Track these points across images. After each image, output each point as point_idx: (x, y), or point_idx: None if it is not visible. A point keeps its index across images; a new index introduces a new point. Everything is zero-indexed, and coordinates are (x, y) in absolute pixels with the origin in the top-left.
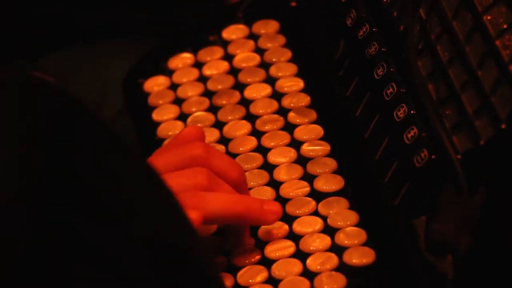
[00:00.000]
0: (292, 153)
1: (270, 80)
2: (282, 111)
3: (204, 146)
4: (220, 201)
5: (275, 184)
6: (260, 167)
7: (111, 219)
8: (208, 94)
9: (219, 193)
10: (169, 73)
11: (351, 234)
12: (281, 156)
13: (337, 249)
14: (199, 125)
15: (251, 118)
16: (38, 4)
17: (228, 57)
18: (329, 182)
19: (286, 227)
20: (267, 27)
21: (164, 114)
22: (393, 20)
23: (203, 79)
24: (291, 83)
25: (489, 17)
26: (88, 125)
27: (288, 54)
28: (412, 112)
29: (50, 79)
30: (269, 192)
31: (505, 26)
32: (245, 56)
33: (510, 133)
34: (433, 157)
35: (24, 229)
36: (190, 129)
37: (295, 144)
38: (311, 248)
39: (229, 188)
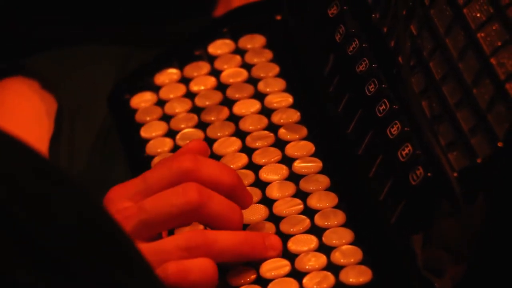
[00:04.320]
0: (284, 170)
1: (259, 96)
2: (272, 127)
3: (192, 158)
4: (227, 243)
5: (267, 202)
6: (252, 185)
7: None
8: (196, 110)
9: (225, 233)
10: (155, 89)
11: (347, 252)
12: (273, 173)
13: (333, 268)
14: (187, 142)
15: (240, 134)
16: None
17: (215, 73)
18: (322, 200)
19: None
20: (253, 42)
21: (152, 131)
22: (383, 35)
23: (190, 95)
24: (280, 99)
25: (482, 34)
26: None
27: (275, 69)
28: (405, 129)
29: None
30: (262, 210)
31: (499, 44)
32: (232, 72)
33: (507, 151)
34: (429, 174)
35: None
36: (193, 144)
37: (287, 160)
38: (307, 267)
39: (222, 199)
